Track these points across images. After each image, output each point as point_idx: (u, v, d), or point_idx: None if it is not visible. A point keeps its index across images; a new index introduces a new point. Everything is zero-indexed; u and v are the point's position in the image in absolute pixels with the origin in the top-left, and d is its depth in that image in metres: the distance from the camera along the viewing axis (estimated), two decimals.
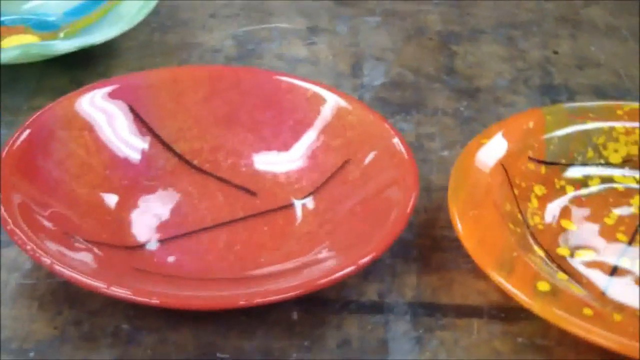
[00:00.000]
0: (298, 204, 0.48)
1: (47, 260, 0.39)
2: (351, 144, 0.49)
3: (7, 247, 0.45)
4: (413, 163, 0.46)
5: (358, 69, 0.62)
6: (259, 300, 0.38)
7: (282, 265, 0.43)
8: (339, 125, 0.50)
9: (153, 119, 0.51)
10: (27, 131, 0.47)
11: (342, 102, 0.51)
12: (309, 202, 0.48)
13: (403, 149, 0.47)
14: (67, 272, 0.39)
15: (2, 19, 0.62)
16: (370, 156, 0.48)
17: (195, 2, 0.68)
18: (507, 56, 0.64)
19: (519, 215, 0.47)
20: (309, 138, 0.51)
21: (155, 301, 0.38)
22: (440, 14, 0.69)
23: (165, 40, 0.63)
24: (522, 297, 0.40)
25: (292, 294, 0.39)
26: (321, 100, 0.51)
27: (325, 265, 0.42)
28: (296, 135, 0.51)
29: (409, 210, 0.43)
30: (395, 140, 0.48)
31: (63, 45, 0.54)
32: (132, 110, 0.50)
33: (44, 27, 0.61)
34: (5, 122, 0.54)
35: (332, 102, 0.51)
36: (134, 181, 0.49)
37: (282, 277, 0.41)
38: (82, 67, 0.59)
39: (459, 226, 0.44)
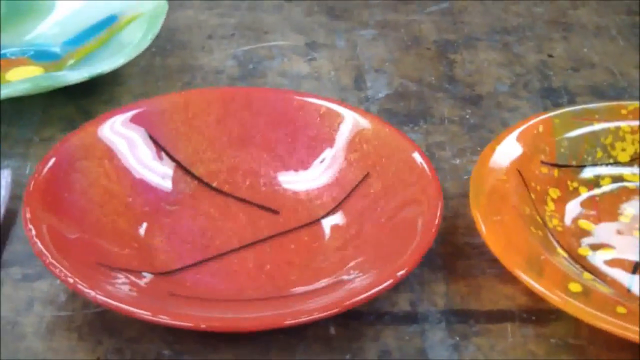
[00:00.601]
0: (323, 220, 0.49)
1: (90, 292, 0.39)
2: (369, 157, 0.50)
3: (39, 279, 0.46)
4: (434, 175, 0.47)
5: (361, 82, 0.62)
6: (304, 318, 0.39)
7: (317, 283, 0.44)
8: (355, 140, 0.51)
9: (169, 144, 0.51)
10: (52, 160, 0.47)
11: (356, 117, 0.52)
12: (334, 218, 0.49)
13: (423, 161, 0.48)
14: (114, 303, 0.39)
15: (3, 51, 0.62)
16: (391, 169, 0.49)
17: (192, 24, 0.68)
18: (505, 62, 0.65)
19: (539, 218, 0.48)
20: (326, 154, 0.51)
21: (203, 326, 0.38)
22: (434, 23, 0.70)
23: (167, 64, 0.63)
24: (556, 299, 0.41)
25: (335, 310, 0.39)
26: (335, 116, 0.52)
27: (361, 280, 0.42)
28: (312, 152, 0.52)
29: (437, 221, 0.44)
30: (415, 153, 0.49)
31: (73, 76, 0.54)
32: (149, 136, 0.51)
33: (46, 58, 0.61)
34: (17, 154, 0.54)
35: (345, 117, 0.52)
36: (156, 207, 0.49)
37: (321, 295, 0.42)
38: (86, 95, 0.59)
39: (484, 231, 0.45)
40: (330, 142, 0.52)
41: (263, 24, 0.69)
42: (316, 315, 0.39)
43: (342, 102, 0.53)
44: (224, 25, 0.68)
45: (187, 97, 0.53)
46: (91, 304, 0.44)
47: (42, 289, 0.45)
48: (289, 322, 0.39)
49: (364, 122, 0.51)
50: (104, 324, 0.43)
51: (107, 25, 0.62)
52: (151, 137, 0.51)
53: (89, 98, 0.59)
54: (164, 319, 0.38)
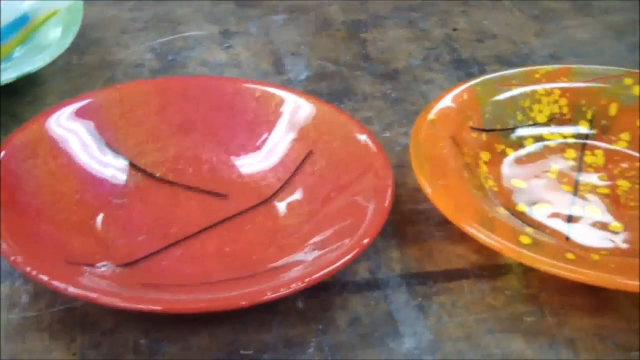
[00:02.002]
0: (275, 200, 0.50)
1: (68, 287, 0.39)
2: (309, 135, 0.52)
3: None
4: (379, 147, 0.49)
5: (280, 66, 0.64)
6: (284, 291, 0.40)
7: (282, 261, 0.45)
8: (294, 120, 0.52)
9: (110, 137, 0.51)
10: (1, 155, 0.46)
11: (292, 97, 0.53)
12: (285, 196, 0.50)
13: (366, 136, 0.50)
14: (93, 296, 0.39)
15: None
16: (333, 144, 0.51)
17: (103, 20, 0.68)
18: (413, 37, 0.68)
19: (477, 181, 0.51)
20: (267, 136, 0.53)
21: (199, 306, 0.39)
22: (340, 5, 0.72)
23: (85, 61, 0.63)
24: (512, 252, 0.44)
25: (311, 279, 0.41)
26: (271, 98, 0.53)
27: (327, 252, 0.44)
28: (253, 135, 0.53)
29: (391, 189, 0.46)
30: (356, 127, 0.50)
31: (3, 76, 0.53)
32: (89, 131, 0.51)
33: None
34: None
35: (281, 98, 0.53)
36: (106, 200, 0.49)
37: (288, 270, 0.43)
38: (8, 97, 0.58)
39: (432, 196, 0.47)
40: (269, 124, 0.53)
41: (174, 15, 0.69)
42: (295, 287, 0.40)
43: (275, 84, 0.55)
44: (135, 19, 0.68)
45: (123, 91, 0.53)
46: (57, 302, 0.44)
47: (3, 292, 0.45)
48: (269, 296, 0.40)
49: (301, 102, 0.53)
50: (74, 320, 0.43)
51: (21, 25, 0.61)
52: (91, 132, 0.51)
53: (12, 100, 0.58)
54: (151, 307, 0.39)
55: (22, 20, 0.61)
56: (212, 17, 0.69)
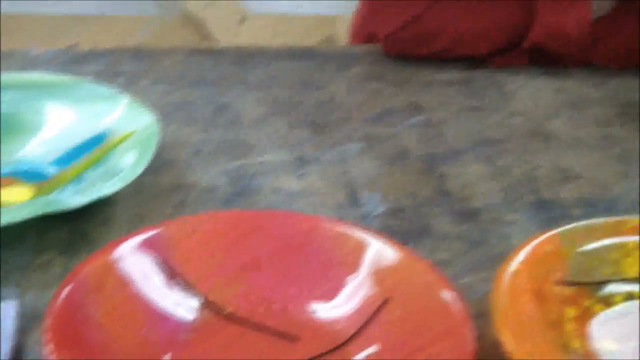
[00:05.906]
0: (349, 347, 0.47)
1: None
2: (385, 282, 0.49)
3: None
4: (461, 307, 0.47)
5: (355, 199, 0.62)
6: None
7: None
8: (370, 264, 0.50)
9: (179, 272, 0.50)
10: (65, 295, 0.45)
11: (370, 239, 0.51)
12: (361, 347, 0.47)
13: (448, 292, 0.48)
14: None
15: None
16: (412, 296, 0.48)
17: (176, 140, 0.67)
18: (492, 174, 0.66)
19: (562, 340, 0.48)
20: (340, 279, 0.50)
21: None
22: (417, 135, 0.71)
23: (157, 182, 0.62)
24: None
25: None
26: (347, 239, 0.51)
27: None
28: (326, 277, 0.51)
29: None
30: (436, 278, 0.48)
31: (74, 201, 0.52)
32: (157, 264, 0.49)
33: (35, 177, 0.59)
34: (15, 282, 0.52)
35: (358, 240, 0.51)
36: (171, 339, 0.47)
37: None
38: (80, 217, 0.57)
39: (513, 355, 0.45)
40: (344, 266, 0.51)
41: (248, 139, 0.68)
42: None
43: (352, 222, 0.53)
44: (207, 141, 0.67)
45: (194, 222, 0.52)
46: None
47: None
48: None
49: (378, 246, 0.51)
50: None
51: (97, 144, 0.61)
52: (162, 264, 0.49)
53: (84, 220, 0.57)
54: None
55: (98, 139, 0.61)
56: (285, 143, 0.68)
